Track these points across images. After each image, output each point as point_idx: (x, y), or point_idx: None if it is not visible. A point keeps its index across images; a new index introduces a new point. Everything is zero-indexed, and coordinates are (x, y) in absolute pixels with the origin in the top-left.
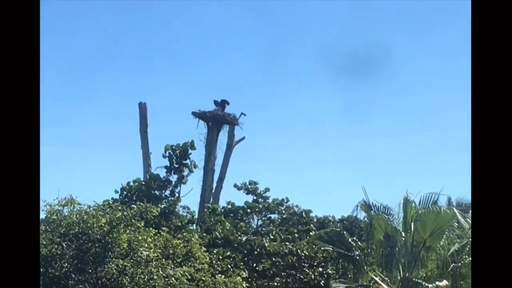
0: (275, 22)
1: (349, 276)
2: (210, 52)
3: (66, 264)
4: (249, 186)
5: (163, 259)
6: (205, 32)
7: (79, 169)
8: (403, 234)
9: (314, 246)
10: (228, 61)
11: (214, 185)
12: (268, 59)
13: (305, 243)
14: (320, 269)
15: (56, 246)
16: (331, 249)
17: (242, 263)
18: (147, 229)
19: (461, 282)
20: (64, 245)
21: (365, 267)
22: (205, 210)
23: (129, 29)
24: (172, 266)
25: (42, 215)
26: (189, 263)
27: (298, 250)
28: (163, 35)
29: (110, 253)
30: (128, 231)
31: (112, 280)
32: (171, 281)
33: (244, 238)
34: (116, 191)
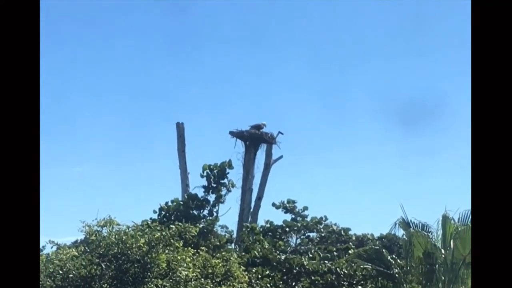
0: (326, 62)
1: None
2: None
3: (106, 284)
4: (287, 205)
5: (202, 279)
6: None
7: (118, 189)
8: (442, 251)
9: (353, 264)
10: (272, 85)
11: (252, 204)
12: (320, 92)
13: (344, 261)
14: (360, 287)
15: (95, 267)
16: (370, 267)
17: (281, 282)
18: (185, 248)
19: None
20: (103, 266)
21: (404, 285)
22: (244, 229)
23: (169, 49)
24: (211, 285)
25: (81, 236)
26: (228, 283)
27: (337, 269)
28: (200, 55)
29: (149, 273)
30: (167, 251)
31: None
32: None
33: (282, 257)
34: (154, 211)
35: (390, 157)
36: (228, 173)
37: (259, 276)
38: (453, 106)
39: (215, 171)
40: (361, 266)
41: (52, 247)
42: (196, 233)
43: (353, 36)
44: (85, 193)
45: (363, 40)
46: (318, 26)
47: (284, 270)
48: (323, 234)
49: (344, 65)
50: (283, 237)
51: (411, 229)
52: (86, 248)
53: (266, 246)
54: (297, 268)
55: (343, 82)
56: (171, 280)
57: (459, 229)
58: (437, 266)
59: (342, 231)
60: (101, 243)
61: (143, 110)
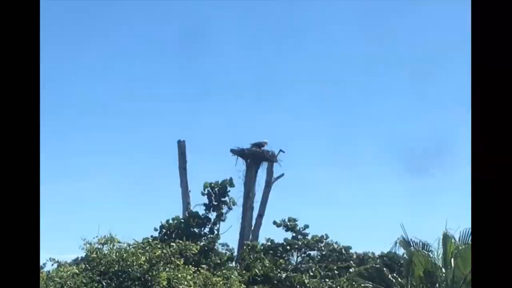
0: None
1: None
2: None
3: None
4: (288, 223)
5: None
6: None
7: (119, 206)
8: (443, 270)
9: (354, 283)
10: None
11: (253, 222)
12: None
13: (345, 280)
14: None
15: (96, 285)
16: (371, 285)
17: None
18: (186, 266)
19: None
20: (104, 284)
21: None
22: (244, 247)
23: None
24: None
25: (82, 253)
26: None
27: (338, 287)
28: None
29: None
30: (167, 269)
31: None
32: None
33: (283, 275)
34: (155, 229)
35: (390, 177)
36: (229, 191)
37: None
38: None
39: (216, 189)
40: (362, 285)
41: (52, 265)
42: (196, 251)
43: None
44: (86, 209)
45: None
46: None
47: None
48: (324, 252)
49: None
50: (284, 255)
51: (411, 248)
52: (87, 265)
53: (267, 264)
54: (298, 286)
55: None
56: None
57: (460, 248)
58: (437, 285)
59: (343, 249)
60: (101, 261)
61: (145, 128)
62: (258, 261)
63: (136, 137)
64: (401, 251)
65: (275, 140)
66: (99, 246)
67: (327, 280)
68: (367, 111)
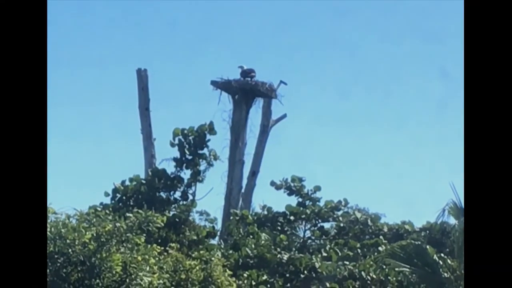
0: None
1: None
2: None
3: None
4: (292, 184)
5: (172, 287)
6: None
7: (54, 162)
8: None
9: (384, 266)
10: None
11: (244, 182)
12: None
13: (371, 262)
14: None
15: None
16: (408, 270)
17: None
18: (149, 246)
19: None
20: None
21: None
22: (231, 217)
23: None
24: None
25: None
26: None
27: (362, 272)
28: None
29: (98, 280)
30: (122, 249)
31: None
32: None
33: (285, 257)
34: (106, 194)
35: (434, 113)
36: (209, 140)
37: (253, 283)
38: None
39: (190, 138)
40: (396, 269)
41: None
42: (163, 224)
43: None
44: None
45: None
46: None
47: (288, 275)
48: (342, 225)
49: None
50: (286, 229)
51: None
52: None
53: (263, 242)
54: (305, 271)
55: None
56: None
57: None
58: None
59: (369, 220)
60: None
61: (87, 51)
62: (250, 237)
63: (79, 64)
64: (451, 221)
65: (273, 68)
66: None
67: (347, 262)
68: None
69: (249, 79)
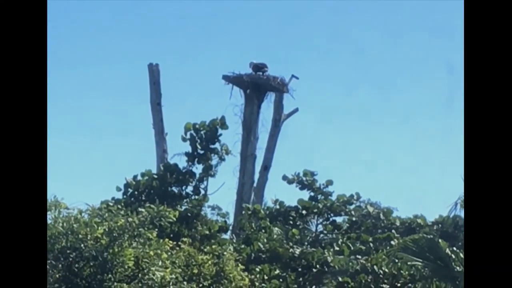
0: None
1: None
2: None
3: None
4: (304, 178)
5: (185, 282)
6: None
7: (65, 158)
8: None
9: (397, 260)
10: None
11: (256, 177)
12: None
13: (384, 256)
14: None
15: None
16: (421, 264)
17: (295, 285)
18: (161, 240)
19: None
20: (48, 265)
21: None
22: (244, 212)
23: None
24: None
25: None
26: (221, 287)
27: (375, 266)
28: None
29: (110, 275)
30: (135, 244)
31: None
32: None
33: (297, 251)
34: (118, 189)
35: (442, 107)
36: (220, 134)
37: (265, 277)
38: None
39: (202, 132)
40: (409, 263)
41: None
42: (175, 219)
43: None
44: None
45: None
46: None
47: (300, 269)
48: (354, 219)
49: None
50: (298, 223)
51: None
52: None
53: (275, 236)
54: (318, 266)
55: None
56: (140, 284)
57: None
58: None
59: (381, 214)
60: None
61: (100, 45)
62: (263, 231)
63: (91, 60)
64: (463, 215)
65: (285, 62)
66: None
67: (359, 257)
68: None
69: (260, 73)
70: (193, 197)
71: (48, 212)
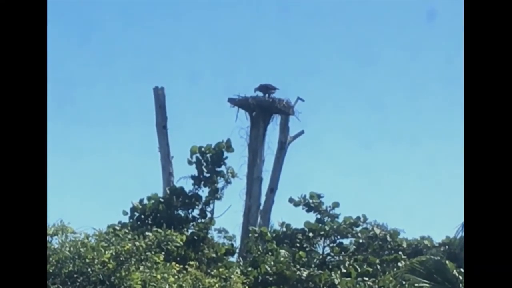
0: None
1: None
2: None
3: None
4: (311, 201)
5: None
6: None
7: (73, 182)
8: None
9: (404, 282)
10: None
11: (262, 199)
12: None
13: (391, 278)
14: None
15: None
16: (428, 285)
17: None
18: (168, 264)
19: None
20: None
21: None
22: (250, 235)
23: None
24: None
25: None
26: None
27: None
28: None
29: None
30: (142, 268)
31: None
32: None
33: (305, 273)
34: (124, 213)
35: (454, 132)
36: (226, 157)
37: None
38: None
39: (208, 155)
40: (416, 285)
41: None
42: (182, 243)
43: None
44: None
45: None
46: None
47: None
48: (361, 241)
49: None
50: (305, 246)
51: None
52: None
53: (282, 259)
54: None
55: None
56: None
57: None
58: None
59: (388, 236)
60: (51, 259)
61: (112, 73)
62: (269, 254)
63: (96, 83)
64: None
65: (290, 85)
66: (48, 239)
67: (366, 278)
68: None
69: (266, 95)
70: (199, 221)
71: (55, 237)
